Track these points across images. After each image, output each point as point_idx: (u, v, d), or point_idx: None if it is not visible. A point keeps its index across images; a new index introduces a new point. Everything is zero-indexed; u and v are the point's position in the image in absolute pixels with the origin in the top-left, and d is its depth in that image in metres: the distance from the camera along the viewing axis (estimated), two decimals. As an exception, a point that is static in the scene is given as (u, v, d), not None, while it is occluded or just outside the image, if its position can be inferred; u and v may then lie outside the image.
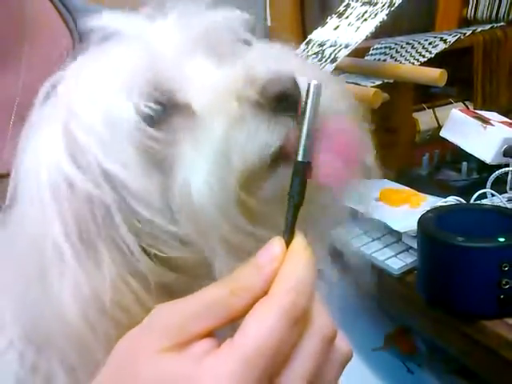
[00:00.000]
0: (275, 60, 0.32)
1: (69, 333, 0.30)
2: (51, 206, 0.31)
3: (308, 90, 0.29)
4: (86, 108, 0.32)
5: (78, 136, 0.31)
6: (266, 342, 0.26)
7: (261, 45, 0.35)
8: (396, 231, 0.69)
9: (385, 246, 0.71)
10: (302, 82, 0.30)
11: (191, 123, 0.31)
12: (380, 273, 0.69)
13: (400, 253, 0.69)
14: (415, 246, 0.67)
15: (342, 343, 0.29)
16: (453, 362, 0.84)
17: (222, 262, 0.30)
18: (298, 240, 0.29)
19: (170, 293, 0.32)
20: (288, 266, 0.28)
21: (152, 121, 0.31)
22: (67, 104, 0.32)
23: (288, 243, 0.29)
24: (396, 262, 0.68)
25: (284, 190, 0.30)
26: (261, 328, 0.26)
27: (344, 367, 0.30)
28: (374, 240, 0.73)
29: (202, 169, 0.30)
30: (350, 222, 0.78)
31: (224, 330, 0.28)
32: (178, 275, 0.32)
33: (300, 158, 0.30)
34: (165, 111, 0.32)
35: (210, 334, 0.27)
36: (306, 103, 0.29)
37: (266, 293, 0.28)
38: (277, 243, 0.29)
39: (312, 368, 0.27)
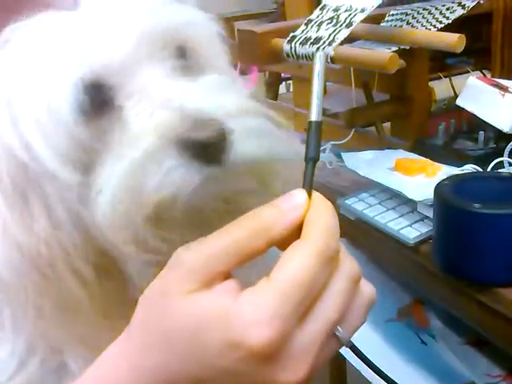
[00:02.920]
0: (212, 96, 0.32)
1: None
2: None
3: (315, 59, 0.33)
4: (26, 89, 0.32)
5: (17, 112, 0.32)
6: (303, 278, 0.27)
7: (209, 78, 0.34)
8: (411, 201, 0.69)
9: (400, 216, 0.70)
10: (238, 125, 0.31)
11: (120, 131, 0.32)
12: (395, 242, 0.68)
13: (415, 222, 0.68)
14: (430, 215, 0.66)
15: (366, 287, 0.31)
16: (467, 334, 0.84)
17: (133, 264, 0.33)
18: (317, 194, 0.31)
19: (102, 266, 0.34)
20: (318, 212, 0.30)
21: (87, 112, 0.32)
22: (11, 79, 0.33)
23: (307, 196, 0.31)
24: (411, 231, 0.67)
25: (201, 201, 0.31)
26: (298, 266, 0.28)
27: (368, 311, 0.31)
28: (388, 210, 0.72)
29: (111, 188, 0.31)
30: (364, 191, 0.78)
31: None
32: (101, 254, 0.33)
33: (314, 118, 0.32)
34: (100, 104, 0.33)
35: (229, 275, 0.29)
36: (315, 69, 0.32)
37: (284, 237, 0.29)
38: (300, 193, 0.30)
39: (340, 305, 0.29)
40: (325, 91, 1.09)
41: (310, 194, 0.31)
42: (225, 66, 0.39)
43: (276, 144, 0.33)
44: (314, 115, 0.32)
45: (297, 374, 0.27)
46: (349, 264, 0.30)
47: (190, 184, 0.30)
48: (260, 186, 0.35)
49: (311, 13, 0.99)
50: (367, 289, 0.31)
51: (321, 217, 0.29)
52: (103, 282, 0.34)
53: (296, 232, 0.29)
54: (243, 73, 1.28)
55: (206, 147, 0.30)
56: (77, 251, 0.33)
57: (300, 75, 1.08)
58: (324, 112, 1.09)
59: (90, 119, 0.32)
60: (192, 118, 0.30)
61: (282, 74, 1.25)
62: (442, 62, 1.01)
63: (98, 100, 0.33)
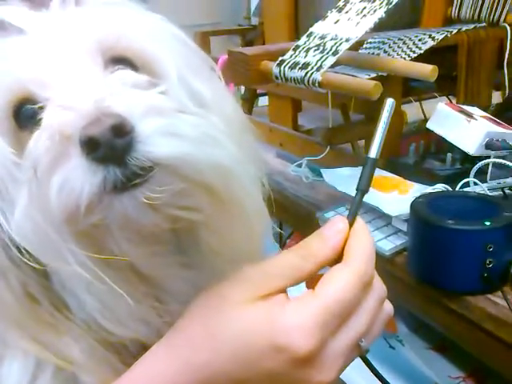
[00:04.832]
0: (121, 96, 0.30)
1: None
2: None
3: (385, 104, 0.36)
4: None
5: None
6: (344, 296, 0.32)
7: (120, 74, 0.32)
8: (386, 215, 0.74)
9: (375, 229, 0.75)
10: (148, 125, 0.29)
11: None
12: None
13: (390, 235, 0.74)
14: (404, 228, 0.72)
15: (387, 304, 0.36)
16: (431, 340, 0.90)
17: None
18: (361, 221, 0.35)
19: None
20: (360, 240, 0.34)
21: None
22: None
23: (351, 223, 0.34)
24: (386, 243, 0.73)
25: (118, 216, 0.30)
26: (341, 285, 0.32)
27: (385, 324, 0.36)
28: (365, 223, 0.77)
29: (21, 201, 0.30)
30: (342, 205, 0.83)
31: None
32: None
33: (373, 156, 0.36)
34: (28, 119, 0.32)
35: (281, 292, 0.33)
36: (382, 115, 0.36)
37: (330, 259, 0.34)
38: (340, 221, 0.35)
39: (368, 321, 0.33)
40: (300, 109, 1.14)
41: (354, 220, 0.35)
42: (176, 70, 0.35)
43: (203, 148, 0.31)
44: (374, 153, 0.36)
45: (328, 376, 0.32)
46: (379, 286, 0.35)
47: (90, 187, 0.28)
48: (213, 203, 0.33)
49: (289, 37, 1.05)
50: (388, 306, 0.36)
51: (363, 244, 0.34)
52: (33, 305, 0.34)
53: (339, 254, 0.34)
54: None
55: (99, 144, 0.28)
56: (9, 269, 0.33)
57: (276, 92, 1.13)
58: (299, 128, 1.15)
59: (15, 134, 0.31)
60: (89, 115, 0.28)
61: (258, 90, 1.30)
62: (407, 85, 1.09)
63: (27, 115, 0.32)
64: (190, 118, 0.32)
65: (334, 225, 0.34)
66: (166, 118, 0.31)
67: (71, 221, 0.30)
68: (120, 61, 0.34)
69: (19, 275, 0.33)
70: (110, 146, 0.28)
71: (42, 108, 0.31)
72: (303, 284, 0.35)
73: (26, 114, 0.32)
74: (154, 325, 0.35)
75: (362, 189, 0.36)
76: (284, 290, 0.33)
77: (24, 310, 0.34)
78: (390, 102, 0.36)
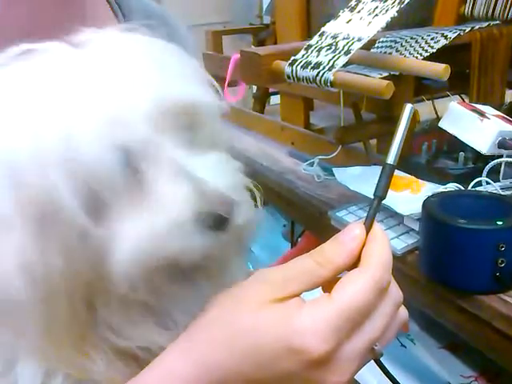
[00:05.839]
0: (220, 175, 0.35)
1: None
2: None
3: (405, 110, 0.35)
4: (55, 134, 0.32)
5: (46, 153, 0.32)
6: (359, 302, 0.32)
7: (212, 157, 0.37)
8: (398, 214, 0.74)
9: (387, 228, 0.76)
10: (238, 199, 0.35)
11: (140, 194, 0.34)
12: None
13: (402, 234, 0.74)
14: (416, 228, 0.72)
15: (402, 310, 0.37)
16: (443, 338, 0.90)
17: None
18: (378, 227, 0.36)
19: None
20: (377, 246, 0.34)
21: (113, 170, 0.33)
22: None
23: (368, 229, 0.34)
24: (398, 242, 0.73)
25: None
26: (357, 291, 0.33)
27: (399, 329, 0.37)
28: (376, 222, 0.77)
29: (133, 242, 0.33)
30: (354, 204, 0.84)
31: None
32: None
33: (391, 162, 0.36)
34: (123, 165, 0.33)
35: (298, 295, 0.34)
36: (401, 120, 0.35)
37: (347, 265, 0.34)
38: (357, 226, 0.35)
39: (383, 326, 0.34)
40: (312, 107, 1.15)
41: (371, 225, 0.35)
42: (223, 142, 0.42)
43: (251, 211, 0.38)
44: (392, 159, 0.36)
45: (342, 378, 0.32)
46: (394, 291, 0.35)
47: (205, 248, 0.34)
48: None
49: (301, 36, 1.05)
50: (403, 311, 0.36)
51: (379, 250, 0.34)
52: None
53: (356, 260, 0.34)
54: (231, 85, 1.33)
55: (222, 219, 0.34)
56: (77, 284, 0.34)
57: (288, 91, 1.14)
58: (311, 127, 1.15)
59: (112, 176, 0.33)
60: (211, 195, 0.34)
61: (270, 89, 1.30)
62: (420, 84, 1.08)
63: (123, 161, 0.34)
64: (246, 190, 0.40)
65: (351, 230, 0.35)
66: (243, 192, 0.38)
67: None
68: (189, 125, 0.37)
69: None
70: (226, 219, 0.34)
71: (134, 158, 0.34)
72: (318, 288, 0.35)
73: (122, 159, 0.33)
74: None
75: (379, 195, 0.36)
76: (299, 295, 0.33)
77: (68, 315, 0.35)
78: (409, 108, 0.35)
